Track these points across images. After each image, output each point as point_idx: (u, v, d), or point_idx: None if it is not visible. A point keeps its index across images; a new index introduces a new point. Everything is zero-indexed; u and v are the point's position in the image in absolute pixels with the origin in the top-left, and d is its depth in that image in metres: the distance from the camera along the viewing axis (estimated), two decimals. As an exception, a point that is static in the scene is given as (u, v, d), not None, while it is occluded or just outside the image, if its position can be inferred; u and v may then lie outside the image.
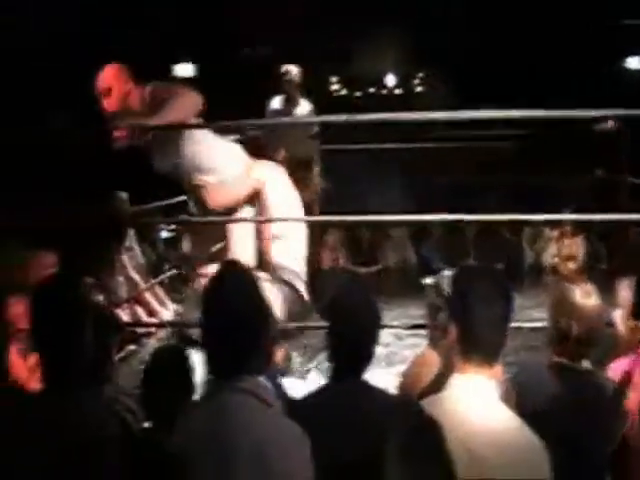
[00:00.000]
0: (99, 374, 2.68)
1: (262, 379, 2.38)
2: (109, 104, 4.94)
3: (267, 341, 2.11)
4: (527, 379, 2.84)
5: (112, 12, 10.87)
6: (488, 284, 2.13)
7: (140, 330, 6.08)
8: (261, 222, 5.08)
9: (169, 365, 2.70)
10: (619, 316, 3.18)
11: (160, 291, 7.09)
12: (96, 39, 9.95)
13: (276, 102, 7.36)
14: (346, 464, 2.06)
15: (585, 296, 2.81)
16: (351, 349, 2.51)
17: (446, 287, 3.00)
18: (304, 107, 7.37)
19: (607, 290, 3.17)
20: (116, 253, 6.60)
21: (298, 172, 6.92)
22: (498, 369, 2.14)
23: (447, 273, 3.06)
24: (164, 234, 9.12)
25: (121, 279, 6.50)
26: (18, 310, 3.93)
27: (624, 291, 3.18)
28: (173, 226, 9.36)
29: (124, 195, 6.98)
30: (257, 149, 6.53)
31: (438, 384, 2.32)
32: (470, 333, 2.08)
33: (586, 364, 2.84)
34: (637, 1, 11.32)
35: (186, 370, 2.71)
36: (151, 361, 2.76)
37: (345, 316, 2.54)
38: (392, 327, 4.75)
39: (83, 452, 2.01)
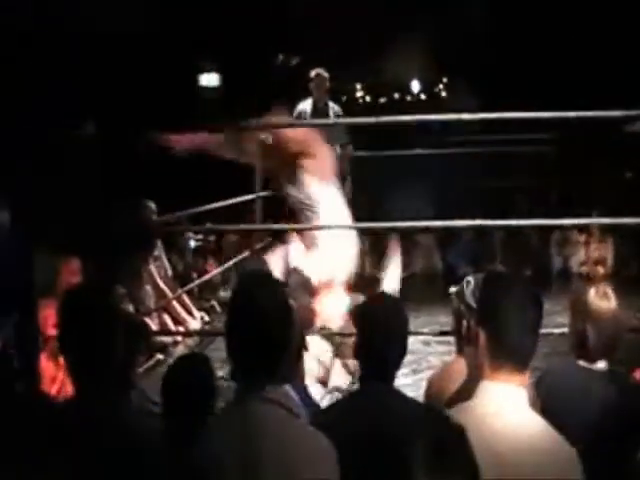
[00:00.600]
0: (127, 381, 2.70)
1: (288, 388, 2.38)
2: None
3: (294, 351, 2.11)
4: (551, 383, 2.82)
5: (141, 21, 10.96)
6: (520, 290, 2.10)
7: (168, 339, 6.13)
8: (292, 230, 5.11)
9: (190, 374, 2.69)
10: None
11: (187, 300, 7.13)
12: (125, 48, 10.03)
13: (304, 106, 7.37)
14: (372, 473, 2.05)
15: (600, 298, 2.79)
16: (379, 356, 2.52)
17: (469, 294, 2.99)
18: (334, 111, 7.39)
19: (637, 295, 3.14)
20: (144, 263, 6.64)
21: None
22: (527, 376, 2.12)
23: (470, 279, 3.05)
24: (192, 243, 9.16)
25: (149, 288, 6.54)
26: (47, 313, 3.97)
27: None
28: (201, 236, 9.41)
29: (152, 205, 7.03)
30: None
31: (466, 391, 2.30)
32: (502, 340, 2.05)
33: (608, 366, 2.80)
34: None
35: (207, 379, 2.70)
36: (171, 370, 2.76)
37: (374, 323, 2.55)
38: (419, 334, 4.73)
39: (119, 458, 2.02)
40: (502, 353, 2.05)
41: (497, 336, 2.06)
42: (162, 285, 6.79)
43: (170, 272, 7.42)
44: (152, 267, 6.82)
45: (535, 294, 2.11)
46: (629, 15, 11.46)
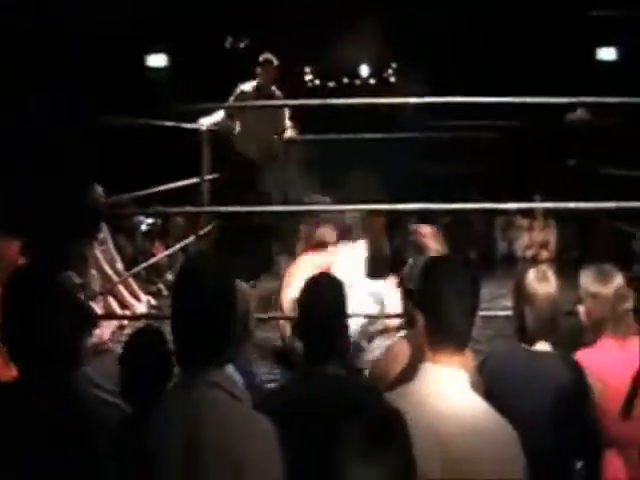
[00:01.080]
0: (73, 364, 2.67)
1: (231, 371, 2.38)
2: None
3: (236, 333, 2.11)
4: (494, 366, 2.85)
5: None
6: (457, 273, 2.11)
7: (114, 323, 6.07)
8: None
9: (147, 346, 2.67)
10: (582, 306, 3.16)
11: (134, 284, 7.07)
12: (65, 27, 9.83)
13: (246, 87, 7.30)
14: (311, 453, 2.07)
15: (539, 280, 2.82)
16: (320, 339, 2.52)
17: (406, 277, 3.02)
18: (276, 96, 7.33)
19: (576, 279, 3.19)
20: (89, 246, 6.56)
21: (259, 169, 6.97)
22: (468, 357, 2.14)
23: (410, 263, 3.07)
24: (144, 227, 9.03)
25: (94, 272, 6.46)
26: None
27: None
28: (152, 219, 9.28)
29: (99, 188, 6.93)
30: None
31: (409, 373, 2.32)
32: (440, 323, 2.06)
33: (547, 348, 2.85)
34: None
35: (164, 351, 2.68)
36: (129, 342, 2.73)
37: (314, 306, 2.55)
38: (368, 317, 4.75)
39: (62, 442, 2.00)
40: (440, 336, 2.06)
41: (434, 319, 2.07)
42: (107, 269, 6.72)
43: (117, 256, 7.33)
44: (97, 251, 6.73)
45: (472, 276, 2.13)
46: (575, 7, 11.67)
